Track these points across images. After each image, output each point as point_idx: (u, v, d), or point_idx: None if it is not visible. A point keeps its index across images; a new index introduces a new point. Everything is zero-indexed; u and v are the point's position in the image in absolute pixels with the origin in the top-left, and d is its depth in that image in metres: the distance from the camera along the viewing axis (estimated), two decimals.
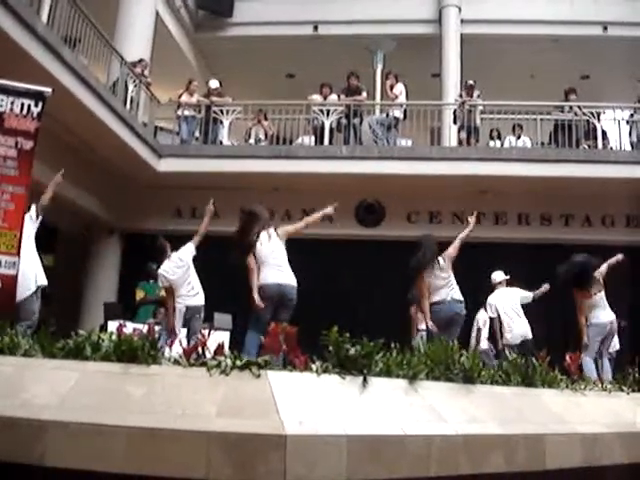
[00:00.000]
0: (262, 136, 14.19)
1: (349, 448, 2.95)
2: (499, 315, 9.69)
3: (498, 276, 10.04)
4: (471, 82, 13.90)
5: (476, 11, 16.74)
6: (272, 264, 6.84)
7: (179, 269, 8.19)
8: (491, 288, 10.01)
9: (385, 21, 17.02)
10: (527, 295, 9.73)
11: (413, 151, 13.64)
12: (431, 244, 7.62)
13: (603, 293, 8.33)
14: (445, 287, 7.46)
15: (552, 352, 5.24)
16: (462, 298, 7.50)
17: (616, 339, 9.47)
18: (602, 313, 8.26)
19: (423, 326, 7.91)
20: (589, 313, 8.23)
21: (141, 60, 13.52)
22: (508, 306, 9.69)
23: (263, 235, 6.96)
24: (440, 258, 7.53)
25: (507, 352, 8.78)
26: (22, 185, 5.80)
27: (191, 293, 8.19)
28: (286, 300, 6.78)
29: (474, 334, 10.29)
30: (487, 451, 3.57)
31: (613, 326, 8.34)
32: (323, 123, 13.66)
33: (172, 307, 8.19)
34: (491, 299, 9.88)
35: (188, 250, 8.27)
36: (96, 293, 13.48)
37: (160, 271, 8.27)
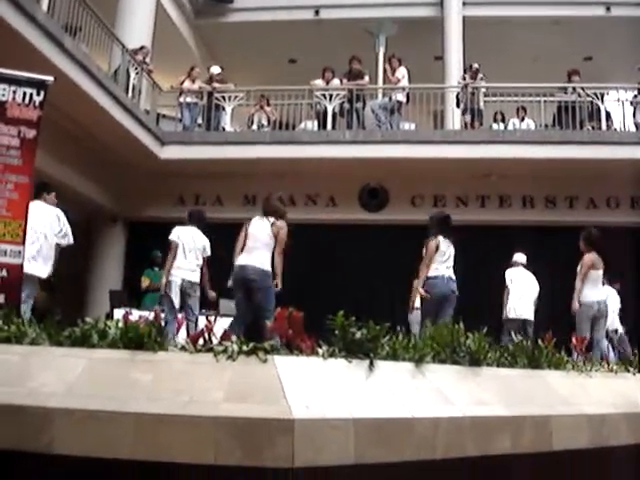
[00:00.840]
0: (265, 122, 14.17)
1: (356, 431, 2.96)
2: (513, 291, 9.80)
3: (522, 258, 10.15)
4: (476, 66, 13.80)
5: None
6: (250, 247, 6.81)
7: (193, 243, 8.24)
8: (511, 265, 10.11)
9: (387, 4, 16.97)
10: (537, 289, 9.91)
11: (416, 135, 13.60)
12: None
13: (601, 273, 8.30)
14: (445, 263, 7.56)
15: (558, 333, 5.24)
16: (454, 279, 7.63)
17: (614, 320, 9.46)
18: (591, 292, 8.21)
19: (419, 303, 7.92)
20: (583, 290, 8.19)
21: (142, 47, 13.49)
22: (524, 284, 9.85)
23: (260, 220, 6.96)
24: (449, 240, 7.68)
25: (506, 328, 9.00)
26: (26, 174, 5.78)
27: (188, 267, 8.20)
28: (247, 282, 6.68)
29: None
30: (494, 433, 3.58)
31: (601, 307, 8.25)
32: (326, 108, 13.62)
33: (169, 266, 8.21)
34: (512, 273, 9.97)
35: (206, 244, 8.35)
36: (101, 281, 13.52)
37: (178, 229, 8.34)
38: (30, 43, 8.87)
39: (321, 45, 16.84)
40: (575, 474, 4.02)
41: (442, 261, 7.56)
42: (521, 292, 9.83)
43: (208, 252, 8.38)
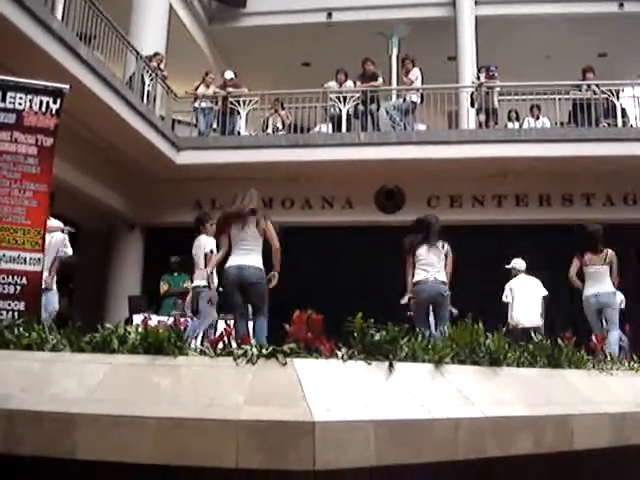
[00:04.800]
0: (279, 125, 14.19)
1: (377, 433, 2.96)
2: (514, 300, 9.69)
3: (520, 265, 9.98)
4: (493, 68, 13.72)
5: None
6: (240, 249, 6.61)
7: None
8: (513, 274, 9.94)
9: (399, 5, 16.97)
10: (544, 292, 9.77)
11: (432, 135, 13.57)
12: (435, 224, 7.59)
13: (599, 268, 8.29)
14: (426, 267, 7.37)
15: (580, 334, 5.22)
16: (446, 280, 7.38)
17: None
18: (589, 288, 8.26)
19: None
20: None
21: (156, 54, 13.54)
22: (527, 292, 9.70)
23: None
24: (441, 242, 7.48)
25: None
26: (44, 182, 5.83)
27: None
28: (246, 284, 6.52)
29: None
30: (515, 433, 3.57)
31: (599, 299, 8.24)
32: (340, 110, 13.61)
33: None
34: (511, 284, 9.85)
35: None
36: (120, 287, 13.57)
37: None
38: (46, 52, 8.94)
39: (334, 48, 16.83)
40: (597, 474, 4.00)
41: (422, 265, 7.40)
42: (523, 300, 9.68)
43: None
